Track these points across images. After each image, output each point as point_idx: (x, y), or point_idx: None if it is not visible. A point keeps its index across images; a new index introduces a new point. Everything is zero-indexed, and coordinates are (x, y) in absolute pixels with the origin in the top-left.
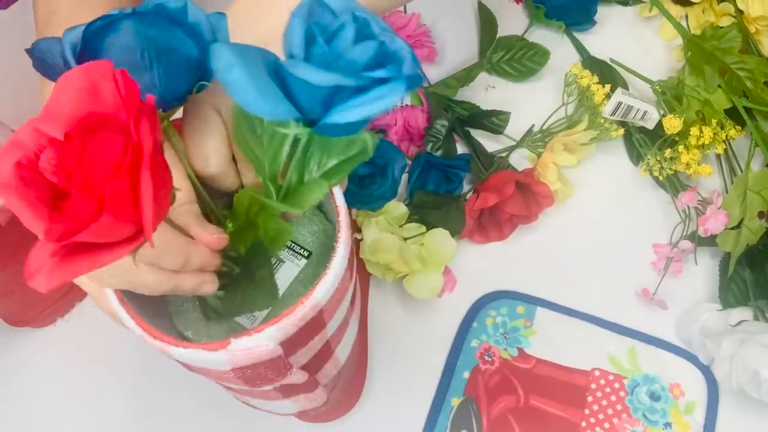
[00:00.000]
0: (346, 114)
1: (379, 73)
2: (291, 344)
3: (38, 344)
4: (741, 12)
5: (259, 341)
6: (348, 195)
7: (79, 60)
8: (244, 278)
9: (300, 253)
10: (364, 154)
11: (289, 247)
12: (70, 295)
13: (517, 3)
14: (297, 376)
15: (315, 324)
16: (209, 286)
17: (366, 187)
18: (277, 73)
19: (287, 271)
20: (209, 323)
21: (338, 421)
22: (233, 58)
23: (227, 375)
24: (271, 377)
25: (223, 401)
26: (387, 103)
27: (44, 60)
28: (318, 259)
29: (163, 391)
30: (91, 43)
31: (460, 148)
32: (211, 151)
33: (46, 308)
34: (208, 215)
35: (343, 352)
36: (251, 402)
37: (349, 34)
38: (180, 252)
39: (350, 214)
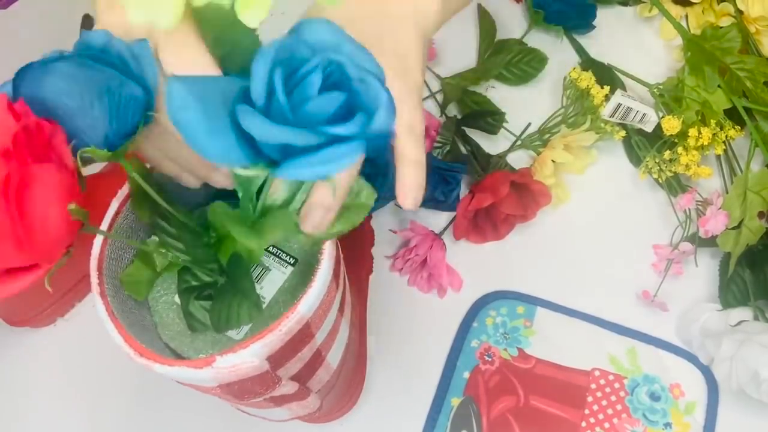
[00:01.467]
0: (298, 171)
1: (337, 130)
2: (278, 358)
3: (38, 344)
4: (741, 12)
5: (245, 358)
6: None
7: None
8: (228, 290)
9: (286, 261)
10: (361, 211)
11: (275, 255)
12: (70, 295)
13: (518, 2)
14: (287, 387)
15: (302, 336)
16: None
17: None
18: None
19: (273, 279)
20: (194, 334)
21: (338, 421)
22: (188, 97)
23: (214, 390)
24: (260, 391)
25: (224, 403)
26: (341, 165)
27: None
28: (304, 266)
29: (162, 393)
30: (28, 88)
31: (461, 149)
32: None
33: (46, 308)
34: (185, 227)
35: (334, 357)
36: (244, 409)
37: (315, 82)
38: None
39: None
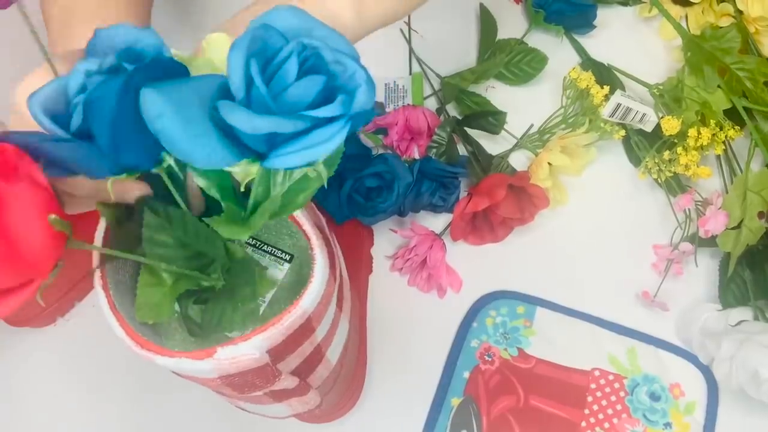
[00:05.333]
0: (286, 159)
1: (322, 112)
2: (279, 352)
3: (38, 344)
4: (740, 12)
5: (245, 350)
6: (352, 205)
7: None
8: (225, 293)
9: (282, 258)
10: (319, 179)
11: (270, 253)
12: (70, 294)
13: (517, 3)
14: (287, 382)
15: (303, 331)
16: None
17: (371, 200)
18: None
19: (272, 277)
20: (196, 340)
21: (338, 421)
22: (163, 104)
23: (214, 382)
24: (260, 384)
25: (223, 401)
26: (330, 146)
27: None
28: (300, 262)
29: (162, 392)
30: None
31: (462, 149)
32: None
33: (46, 308)
34: None
35: (334, 354)
36: (243, 406)
37: (291, 69)
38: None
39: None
